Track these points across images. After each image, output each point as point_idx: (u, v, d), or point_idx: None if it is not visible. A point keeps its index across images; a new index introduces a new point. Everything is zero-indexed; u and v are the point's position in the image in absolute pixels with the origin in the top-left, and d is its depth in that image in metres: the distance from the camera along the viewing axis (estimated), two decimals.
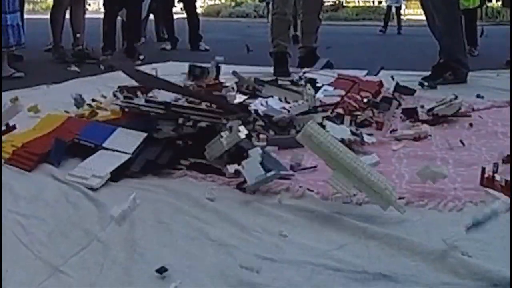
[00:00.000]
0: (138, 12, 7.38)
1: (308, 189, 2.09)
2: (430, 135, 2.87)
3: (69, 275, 1.50)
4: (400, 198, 1.97)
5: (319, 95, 3.57)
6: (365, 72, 4.38)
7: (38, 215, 1.90)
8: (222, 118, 2.59)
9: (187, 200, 2.01)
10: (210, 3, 25.90)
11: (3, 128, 2.68)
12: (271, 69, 5.22)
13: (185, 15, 8.70)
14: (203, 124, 2.55)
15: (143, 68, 5.46)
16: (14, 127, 2.74)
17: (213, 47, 8.04)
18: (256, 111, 2.88)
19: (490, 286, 1.43)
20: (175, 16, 8.88)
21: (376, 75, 4.14)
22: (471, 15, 6.86)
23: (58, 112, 3.23)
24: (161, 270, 1.48)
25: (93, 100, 3.51)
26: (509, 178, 2.04)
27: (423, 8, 4.86)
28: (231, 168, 2.21)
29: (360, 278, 1.48)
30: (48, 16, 6.64)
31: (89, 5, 17.18)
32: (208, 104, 2.70)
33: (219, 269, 1.54)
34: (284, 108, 2.96)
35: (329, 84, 3.83)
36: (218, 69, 4.29)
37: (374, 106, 3.29)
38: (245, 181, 2.10)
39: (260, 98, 3.26)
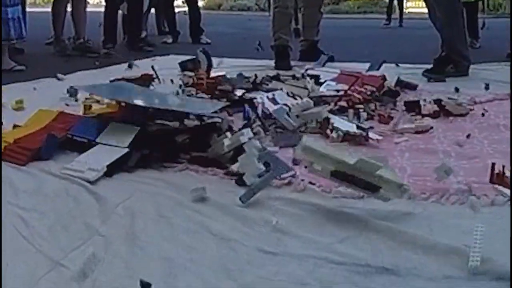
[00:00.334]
0: (139, 6, 7.36)
1: (310, 183, 2.09)
2: (432, 128, 2.86)
3: (70, 269, 1.50)
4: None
5: (322, 89, 3.57)
6: (367, 65, 4.37)
7: (38, 208, 1.90)
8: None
9: (188, 194, 2.00)
10: None
11: None
12: (272, 63, 5.21)
13: (186, 9, 8.68)
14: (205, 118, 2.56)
15: (143, 61, 5.48)
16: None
17: (214, 41, 8.02)
18: (257, 113, 2.87)
19: (493, 279, 1.42)
20: (176, 10, 8.85)
21: (378, 69, 4.13)
22: (472, 8, 6.84)
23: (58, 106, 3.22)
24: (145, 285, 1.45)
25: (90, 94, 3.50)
26: None
27: (424, 0, 4.85)
28: (235, 167, 2.20)
29: (363, 272, 1.48)
30: (49, 9, 6.62)
31: None
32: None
33: (221, 263, 1.53)
34: (286, 104, 2.96)
35: (332, 80, 3.82)
36: (209, 59, 4.28)
37: (377, 100, 3.29)
38: (242, 175, 2.10)
39: (265, 92, 3.26)
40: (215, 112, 2.68)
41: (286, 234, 1.69)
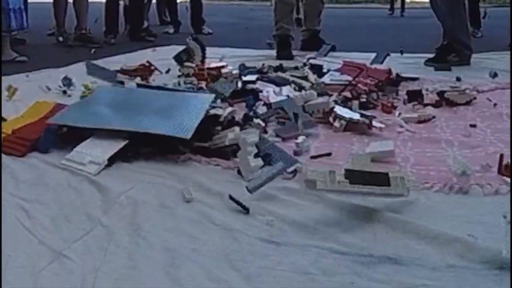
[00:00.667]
0: None
1: None
2: (434, 117, 2.85)
3: (73, 260, 1.49)
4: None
5: (326, 79, 3.56)
6: (369, 54, 4.35)
7: (40, 199, 1.90)
8: None
9: (191, 184, 2.00)
10: None
11: None
12: (273, 52, 5.20)
13: None
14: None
15: (144, 51, 5.47)
16: None
17: (216, 31, 8.00)
18: (256, 112, 2.86)
19: (496, 268, 1.41)
20: (178, 0, 8.82)
21: (382, 62, 4.11)
22: None
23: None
24: None
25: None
26: None
27: None
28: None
29: (366, 261, 1.47)
30: (51, 0, 6.60)
31: None
32: None
33: (224, 253, 1.53)
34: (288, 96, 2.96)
35: (335, 70, 3.81)
36: (202, 47, 4.26)
37: (380, 89, 3.28)
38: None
39: (272, 86, 3.26)
40: (213, 102, 2.63)
41: (289, 224, 1.69)
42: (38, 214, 1.78)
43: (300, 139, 2.40)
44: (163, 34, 7.85)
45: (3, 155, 2.32)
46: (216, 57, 4.45)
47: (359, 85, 3.24)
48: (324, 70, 3.86)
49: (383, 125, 2.68)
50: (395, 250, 1.52)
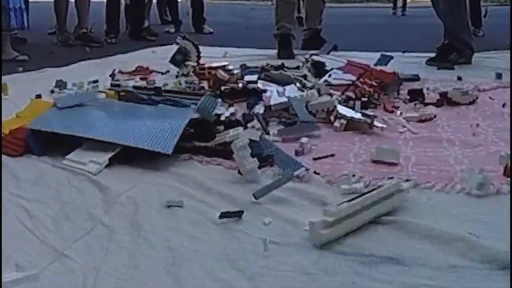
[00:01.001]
0: None
1: (315, 172, 2.08)
2: (435, 116, 2.85)
3: (74, 260, 1.49)
4: (407, 180, 1.96)
5: (329, 78, 3.56)
6: (370, 54, 4.35)
7: (41, 199, 1.90)
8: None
9: (192, 184, 2.00)
10: None
11: None
12: (274, 52, 5.20)
13: None
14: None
15: (143, 51, 5.47)
16: None
17: (216, 30, 8.00)
18: (256, 113, 2.85)
19: (499, 268, 1.41)
20: None
21: (386, 64, 4.11)
22: None
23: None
24: None
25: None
26: None
27: None
28: None
29: (367, 262, 1.47)
30: None
31: None
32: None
33: (225, 253, 1.53)
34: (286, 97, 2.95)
35: (338, 68, 3.80)
36: (195, 46, 4.25)
37: (381, 88, 3.28)
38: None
39: (276, 86, 3.25)
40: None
41: (291, 224, 1.68)
42: (39, 213, 1.78)
43: (302, 139, 2.40)
44: (164, 33, 7.85)
45: (3, 155, 2.32)
46: (217, 57, 4.45)
47: (364, 86, 3.23)
48: (327, 68, 3.85)
49: (384, 125, 2.67)
50: (396, 250, 1.52)
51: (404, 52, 5.00)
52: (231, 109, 2.74)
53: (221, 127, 2.50)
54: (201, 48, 4.27)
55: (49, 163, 2.23)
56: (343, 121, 2.66)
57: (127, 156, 2.24)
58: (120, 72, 4.05)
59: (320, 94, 3.00)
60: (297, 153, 2.31)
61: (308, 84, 3.31)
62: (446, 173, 2.06)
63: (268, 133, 2.57)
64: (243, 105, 3.00)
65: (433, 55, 4.65)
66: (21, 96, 3.24)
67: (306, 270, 1.44)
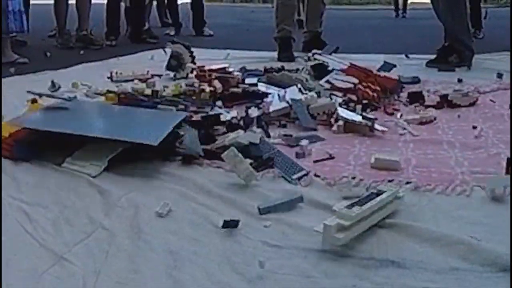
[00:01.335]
0: None
1: (315, 175, 2.08)
2: (435, 118, 2.85)
3: (74, 263, 1.49)
4: (407, 183, 1.97)
5: (330, 79, 3.55)
6: (371, 56, 4.35)
7: (41, 202, 1.89)
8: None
9: (193, 186, 1.99)
10: None
11: None
12: (275, 54, 5.20)
13: (189, 0, 8.65)
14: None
15: (143, 54, 5.47)
16: None
17: (217, 33, 8.00)
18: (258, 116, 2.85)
19: (499, 271, 1.41)
20: (179, 1, 8.82)
21: (389, 71, 4.10)
22: None
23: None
24: None
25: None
26: None
27: None
28: None
29: (368, 265, 1.47)
30: (52, 1, 6.61)
31: None
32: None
33: (226, 256, 1.52)
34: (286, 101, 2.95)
35: (340, 70, 3.79)
36: (188, 49, 4.24)
37: (384, 93, 3.28)
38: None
39: (278, 88, 3.25)
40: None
41: (291, 227, 1.68)
42: (39, 217, 1.78)
43: (303, 142, 2.39)
44: (164, 35, 7.85)
45: (3, 158, 2.31)
46: (218, 59, 4.45)
47: (367, 90, 3.22)
48: (329, 68, 3.83)
49: (385, 129, 2.67)
50: (397, 252, 1.51)
51: (407, 56, 5.01)
52: (233, 112, 2.74)
53: (221, 128, 2.49)
54: (201, 50, 4.27)
55: (49, 166, 2.23)
56: (341, 123, 2.66)
57: (127, 159, 2.24)
58: (119, 74, 4.04)
59: (319, 96, 3.00)
60: (297, 155, 2.31)
61: (309, 86, 3.30)
62: (446, 175, 2.06)
63: (269, 136, 2.56)
64: (243, 108, 3.00)
65: (433, 57, 4.65)
66: (21, 98, 3.25)
67: (306, 273, 1.44)
